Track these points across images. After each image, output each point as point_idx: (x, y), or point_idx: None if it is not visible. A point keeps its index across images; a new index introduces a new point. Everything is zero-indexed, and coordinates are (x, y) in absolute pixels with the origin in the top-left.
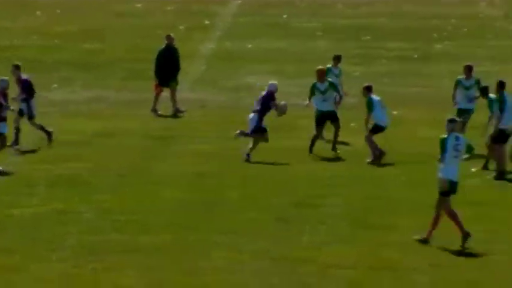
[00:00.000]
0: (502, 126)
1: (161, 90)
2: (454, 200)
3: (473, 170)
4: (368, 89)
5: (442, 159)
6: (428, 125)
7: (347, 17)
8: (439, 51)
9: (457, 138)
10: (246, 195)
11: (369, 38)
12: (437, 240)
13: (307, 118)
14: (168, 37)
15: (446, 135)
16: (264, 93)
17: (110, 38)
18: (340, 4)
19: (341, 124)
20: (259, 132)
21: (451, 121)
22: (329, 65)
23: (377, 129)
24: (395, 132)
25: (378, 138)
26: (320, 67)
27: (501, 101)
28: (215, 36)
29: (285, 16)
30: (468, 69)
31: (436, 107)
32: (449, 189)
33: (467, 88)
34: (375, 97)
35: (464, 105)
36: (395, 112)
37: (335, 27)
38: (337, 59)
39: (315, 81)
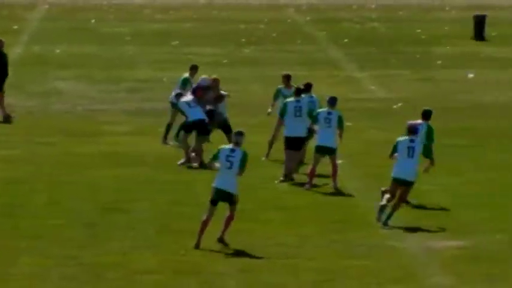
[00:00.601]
0: (286, 134)
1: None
2: (265, 205)
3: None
4: (180, 95)
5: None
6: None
7: (155, 22)
8: (247, 56)
9: (231, 150)
10: (53, 200)
11: (177, 43)
12: (244, 245)
13: (110, 124)
14: None
15: (224, 147)
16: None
17: None
18: (148, 9)
19: (150, 130)
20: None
21: (237, 134)
22: (186, 75)
23: (188, 127)
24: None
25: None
26: (211, 77)
27: (284, 105)
28: (23, 41)
29: (93, 21)
30: (286, 79)
31: (246, 112)
32: (215, 197)
33: (287, 97)
34: (184, 100)
35: None
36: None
37: (143, 32)
38: (194, 68)
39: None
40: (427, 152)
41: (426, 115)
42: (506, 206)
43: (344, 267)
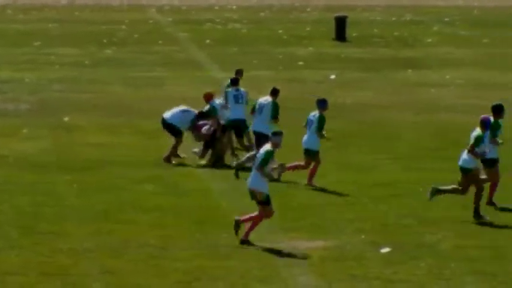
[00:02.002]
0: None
1: None
2: (126, 206)
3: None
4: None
5: None
6: (99, 131)
7: (17, 22)
8: (109, 57)
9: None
10: None
11: (39, 43)
12: (106, 247)
13: None
14: None
15: None
16: None
17: None
18: (10, 9)
19: (12, 131)
20: None
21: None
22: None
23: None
24: (67, 139)
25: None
26: None
27: None
28: None
29: None
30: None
31: (108, 113)
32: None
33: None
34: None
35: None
36: (66, 118)
37: (5, 32)
38: (240, 73)
39: None
40: None
41: (497, 110)
42: (368, 206)
43: (210, 268)
